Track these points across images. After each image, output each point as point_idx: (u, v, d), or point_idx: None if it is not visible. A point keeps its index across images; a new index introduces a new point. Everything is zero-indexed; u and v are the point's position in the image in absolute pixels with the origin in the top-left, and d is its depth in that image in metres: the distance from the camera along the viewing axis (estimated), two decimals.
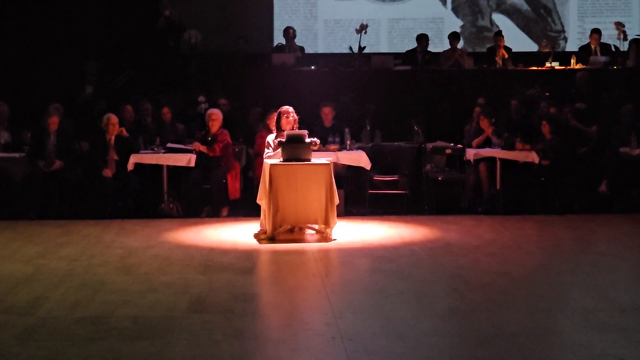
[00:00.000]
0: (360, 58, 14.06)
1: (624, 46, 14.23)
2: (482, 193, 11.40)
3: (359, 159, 11.11)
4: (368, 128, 12.53)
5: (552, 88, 13.04)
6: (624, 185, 11.33)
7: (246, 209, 10.95)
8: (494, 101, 12.57)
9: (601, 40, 14.25)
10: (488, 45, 14.66)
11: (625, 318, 5.87)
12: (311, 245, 8.91)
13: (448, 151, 11.91)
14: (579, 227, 10.09)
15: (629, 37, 14.34)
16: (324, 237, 9.13)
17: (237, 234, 9.60)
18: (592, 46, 14.25)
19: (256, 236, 9.34)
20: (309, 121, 10.94)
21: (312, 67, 13.93)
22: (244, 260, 8.15)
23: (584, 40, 14.82)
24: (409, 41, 15.00)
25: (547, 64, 14.00)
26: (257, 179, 9.94)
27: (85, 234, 9.67)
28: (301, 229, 9.39)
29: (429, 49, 14.38)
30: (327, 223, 9.07)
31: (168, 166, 11.04)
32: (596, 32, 14.28)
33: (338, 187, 9.53)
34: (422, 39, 14.55)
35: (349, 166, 11.36)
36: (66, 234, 9.67)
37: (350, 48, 14.13)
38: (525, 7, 15.80)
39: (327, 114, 11.95)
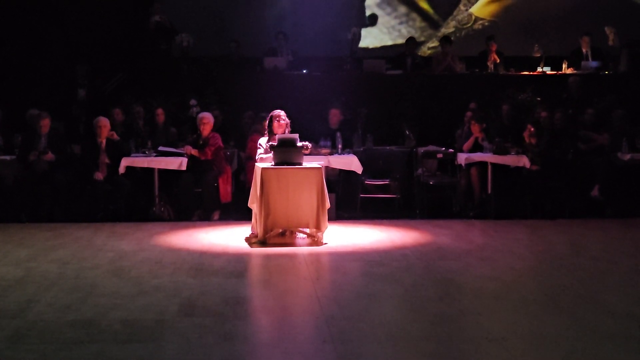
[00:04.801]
0: (352, 62, 14.08)
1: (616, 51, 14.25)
2: (474, 197, 11.42)
3: (351, 162, 11.11)
4: (360, 132, 12.54)
5: (544, 93, 13.07)
6: (616, 190, 11.37)
7: (237, 212, 10.96)
8: (485, 106, 12.58)
9: (592, 44, 14.28)
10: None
11: (616, 323, 5.88)
12: (302, 249, 8.90)
13: (439, 155, 11.95)
14: (571, 232, 10.12)
15: (621, 42, 14.36)
16: (315, 241, 9.12)
17: (229, 238, 9.60)
18: (584, 50, 14.26)
19: (247, 240, 9.34)
20: (309, 120, 10.98)
21: (304, 71, 13.93)
22: (235, 263, 8.14)
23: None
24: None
25: (539, 69, 14.02)
26: (249, 183, 9.93)
27: (76, 237, 9.66)
28: (292, 233, 9.39)
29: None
30: (318, 227, 9.06)
31: (159, 169, 11.03)
32: (587, 35, 14.28)
33: (329, 191, 9.53)
34: (410, 42, 14.59)
35: (341, 170, 11.37)
36: (57, 237, 9.66)
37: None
38: None
39: (334, 115, 11.99)
